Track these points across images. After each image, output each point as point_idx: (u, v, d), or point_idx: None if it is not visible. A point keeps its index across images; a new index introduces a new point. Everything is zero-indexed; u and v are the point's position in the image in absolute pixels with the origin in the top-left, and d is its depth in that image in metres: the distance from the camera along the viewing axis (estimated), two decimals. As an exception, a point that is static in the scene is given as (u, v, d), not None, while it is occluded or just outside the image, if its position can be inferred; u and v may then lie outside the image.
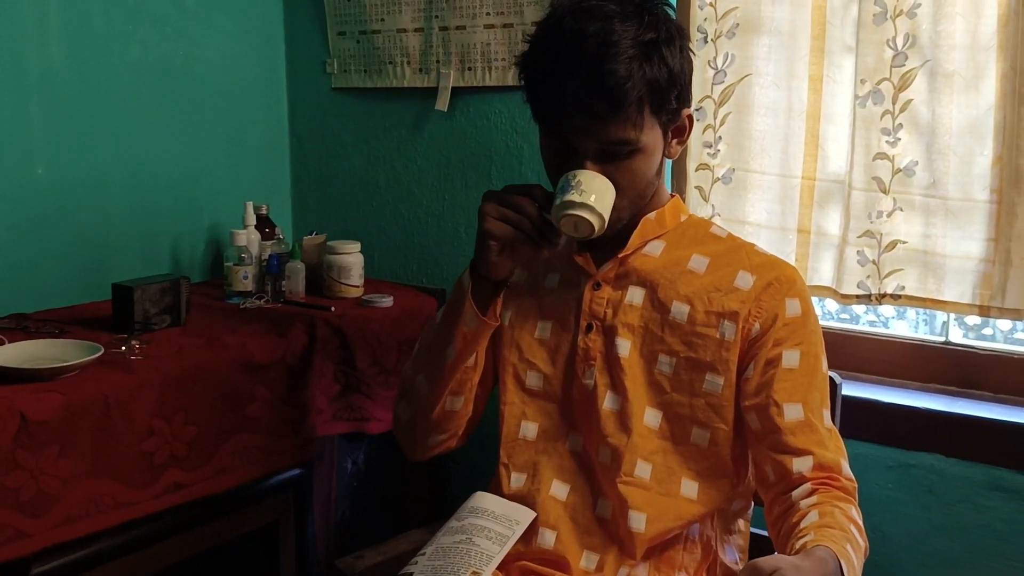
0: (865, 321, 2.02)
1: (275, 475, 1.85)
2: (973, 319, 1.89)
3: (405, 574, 1.29)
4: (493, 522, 1.34)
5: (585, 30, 1.23)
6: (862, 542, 1.20)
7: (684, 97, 1.31)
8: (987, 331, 1.90)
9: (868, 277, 1.80)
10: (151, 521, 1.63)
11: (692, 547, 1.37)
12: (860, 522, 1.23)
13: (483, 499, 1.38)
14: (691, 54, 1.32)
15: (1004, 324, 1.88)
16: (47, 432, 1.47)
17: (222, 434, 1.73)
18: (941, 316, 1.89)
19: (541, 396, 1.41)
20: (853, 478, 1.29)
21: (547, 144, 1.33)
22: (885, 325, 2.01)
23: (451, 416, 1.45)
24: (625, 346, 1.35)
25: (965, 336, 1.90)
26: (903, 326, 1.99)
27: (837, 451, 1.29)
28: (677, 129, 1.33)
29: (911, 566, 1.81)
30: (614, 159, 1.27)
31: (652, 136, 1.28)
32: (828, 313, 2.04)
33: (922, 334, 1.95)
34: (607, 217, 1.25)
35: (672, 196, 1.42)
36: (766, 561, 1.01)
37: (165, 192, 2.24)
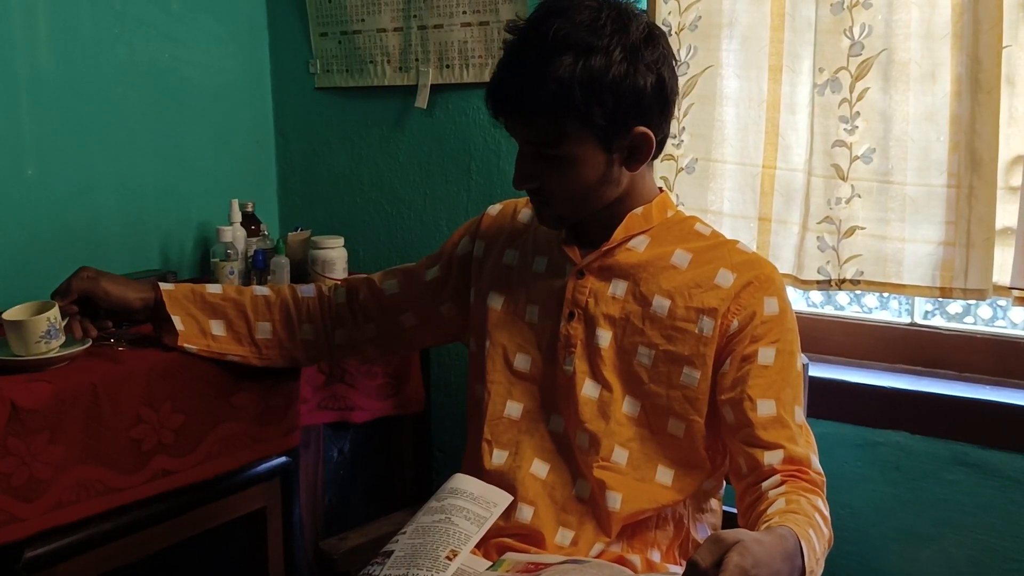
0: (850, 310, 2.06)
1: (262, 462, 1.88)
2: (955, 307, 1.93)
3: (385, 551, 1.33)
4: (472, 503, 1.37)
5: (534, 30, 1.26)
6: (826, 531, 1.23)
7: (624, 114, 1.27)
8: (968, 319, 1.94)
9: (828, 263, 1.84)
10: (141, 506, 1.66)
11: (665, 525, 1.41)
12: (826, 513, 1.26)
13: (462, 481, 1.41)
14: (655, 64, 1.27)
15: (984, 312, 1.92)
16: (37, 420, 1.50)
17: (209, 422, 1.76)
18: (921, 304, 1.92)
19: (527, 378, 1.44)
20: (822, 472, 1.32)
21: None
22: (869, 313, 2.04)
23: (269, 343, 1.66)
24: (605, 336, 1.38)
25: (948, 322, 1.93)
26: (886, 315, 2.02)
27: (807, 446, 1.32)
28: (630, 148, 1.32)
29: (880, 540, 1.85)
30: (544, 160, 1.31)
31: (583, 149, 1.28)
32: (812, 303, 2.08)
33: (892, 318, 1.99)
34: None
35: (660, 191, 1.44)
36: (729, 533, 1.04)
37: (153, 191, 2.27)
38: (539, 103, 1.25)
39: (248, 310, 1.64)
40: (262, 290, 1.67)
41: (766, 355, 1.33)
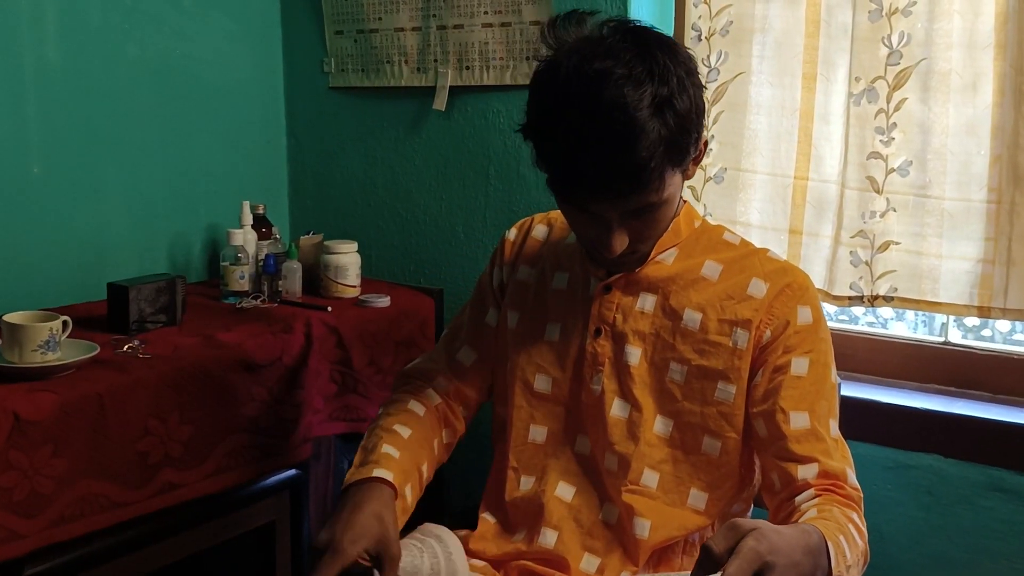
0: (864, 323, 2.02)
1: (271, 475, 1.85)
2: (972, 321, 1.88)
3: None
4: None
5: (597, 103, 1.16)
6: (860, 543, 1.19)
7: (700, 131, 1.25)
8: (986, 332, 1.90)
9: (861, 278, 1.79)
10: (146, 521, 1.63)
11: (692, 550, 1.37)
12: (862, 528, 1.22)
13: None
14: (698, 76, 1.25)
15: (1003, 326, 1.88)
16: (40, 432, 1.46)
17: (217, 434, 1.72)
18: (940, 317, 1.88)
19: (550, 399, 1.40)
20: (859, 487, 1.27)
21: (565, 207, 1.29)
22: (884, 326, 2.01)
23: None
24: (635, 353, 1.34)
25: (964, 337, 1.89)
26: (902, 327, 1.99)
27: (843, 460, 1.28)
28: (696, 157, 1.29)
29: (910, 567, 1.81)
30: (638, 216, 1.25)
31: (674, 184, 1.24)
32: (827, 314, 2.03)
33: (921, 335, 1.95)
34: None
35: (684, 203, 1.40)
36: (746, 520, 1.01)
37: (162, 191, 2.23)
38: (651, 174, 1.18)
39: (424, 466, 1.42)
40: (405, 430, 1.40)
41: (799, 365, 1.29)
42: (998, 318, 1.71)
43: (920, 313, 1.92)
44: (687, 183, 1.93)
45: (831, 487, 1.24)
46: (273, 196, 2.49)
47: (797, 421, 1.27)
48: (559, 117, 1.19)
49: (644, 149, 1.15)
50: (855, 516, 1.22)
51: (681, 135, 1.19)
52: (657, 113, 1.16)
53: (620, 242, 1.25)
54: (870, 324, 2.01)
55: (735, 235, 1.41)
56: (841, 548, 1.10)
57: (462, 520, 1.46)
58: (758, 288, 1.32)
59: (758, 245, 1.42)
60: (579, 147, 1.17)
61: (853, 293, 1.80)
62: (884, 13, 1.71)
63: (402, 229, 2.38)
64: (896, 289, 1.77)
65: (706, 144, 1.30)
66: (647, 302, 1.35)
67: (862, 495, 1.27)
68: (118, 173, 2.15)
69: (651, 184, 1.19)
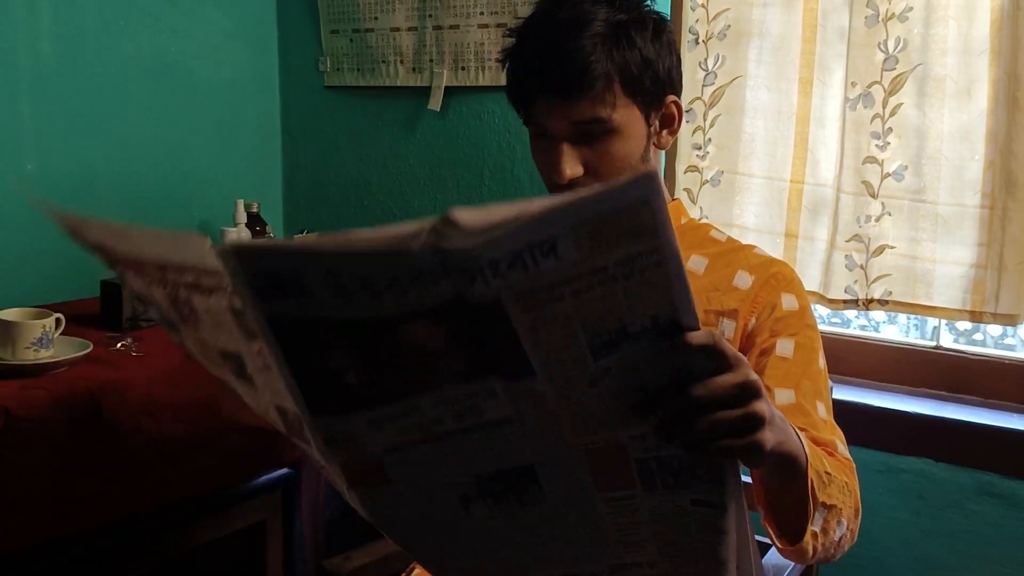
0: (856, 326, 2.02)
1: (263, 474, 1.84)
2: (963, 325, 1.88)
3: None
4: None
5: (556, 15, 1.23)
6: (841, 478, 1.11)
7: (664, 82, 1.27)
8: (977, 336, 1.90)
9: (856, 282, 1.79)
10: (137, 520, 1.62)
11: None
12: (848, 481, 1.14)
13: None
14: (673, 43, 1.29)
15: (994, 330, 1.88)
16: (32, 428, 1.45)
17: (210, 433, 1.71)
18: (931, 321, 1.88)
19: None
20: (851, 459, 1.23)
21: (531, 137, 1.32)
22: (876, 330, 2.01)
23: None
24: None
25: (956, 342, 1.89)
26: (894, 331, 1.99)
27: (833, 435, 1.24)
28: (665, 118, 1.30)
29: (900, 570, 1.80)
30: (589, 140, 1.25)
31: (628, 116, 1.25)
32: (820, 317, 2.03)
33: (913, 339, 1.95)
34: None
35: (674, 199, 1.41)
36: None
37: (156, 189, 2.23)
38: (592, 69, 1.20)
39: None
40: None
41: (784, 347, 1.27)
42: (989, 322, 1.71)
43: (912, 317, 1.92)
44: (684, 186, 1.95)
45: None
46: (267, 194, 2.48)
47: (781, 397, 1.24)
48: (521, 33, 1.27)
49: (588, 46, 1.19)
50: (845, 479, 1.15)
51: (637, 66, 1.22)
52: (609, 29, 1.21)
53: (570, 164, 1.26)
54: (862, 327, 2.01)
55: (721, 232, 1.41)
56: (819, 458, 1.06)
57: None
58: (743, 280, 1.32)
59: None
60: (531, 51, 1.24)
61: (848, 296, 1.80)
62: (880, 18, 1.72)
63: (396, 229, 2.37)
64: (890, 293, 1.77)
65: (679, 108, 1.31)
66: None
67: (855, 465, 1.21)
68: (112, 170, 2.14)
69: (594, 86, 1.21)
